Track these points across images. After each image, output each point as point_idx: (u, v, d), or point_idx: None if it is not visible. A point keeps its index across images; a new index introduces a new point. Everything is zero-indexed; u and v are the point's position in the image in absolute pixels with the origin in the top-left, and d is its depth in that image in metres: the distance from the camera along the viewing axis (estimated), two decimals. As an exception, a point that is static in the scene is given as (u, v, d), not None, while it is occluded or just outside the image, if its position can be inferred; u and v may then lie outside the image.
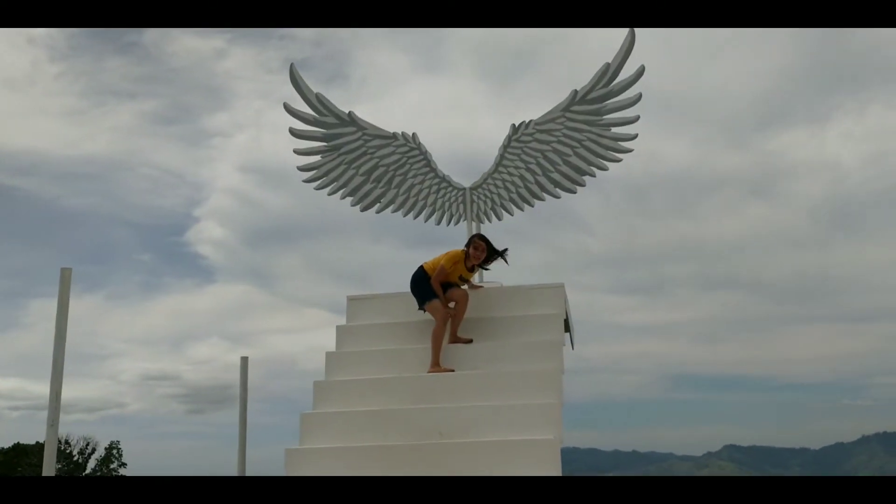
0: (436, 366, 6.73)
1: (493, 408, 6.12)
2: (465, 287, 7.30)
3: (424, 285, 7.06)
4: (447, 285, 7.10)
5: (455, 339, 7.02)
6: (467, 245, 7.23)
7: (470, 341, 6.99)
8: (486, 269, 7.47)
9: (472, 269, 7.29)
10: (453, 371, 6.69)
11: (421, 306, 7.09)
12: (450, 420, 6.13)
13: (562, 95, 7.93)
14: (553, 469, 5.62)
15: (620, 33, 7.49)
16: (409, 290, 7.29)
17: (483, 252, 7.15)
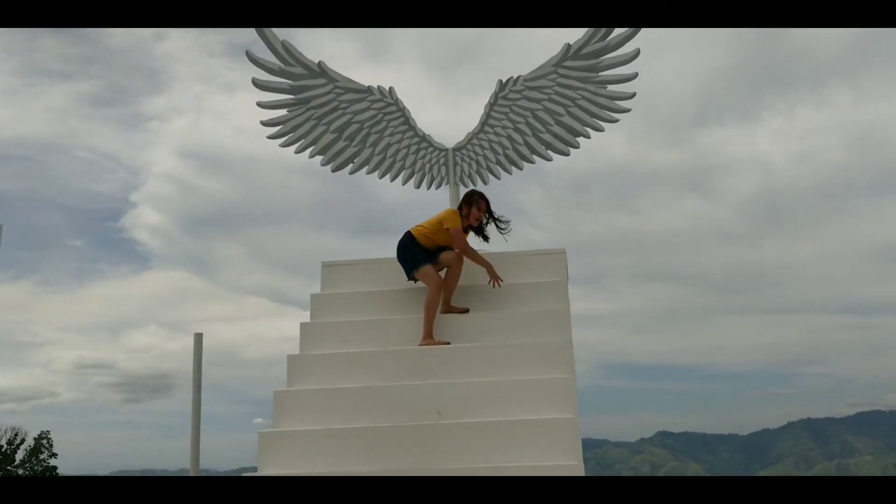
0: (429, 338, 5.99)
1: (498, 384, 5.43)
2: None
3: (414, 251, 6.32)
4: (437, 249, 6.36)
5: (449, 309, 6.29)
6: (464, 203, 6.51)
7: (466, 311, 6.29)
8: (486, 240, 6.72)
9: (466, 231, 6.56)
10: (449, 343, 5.98)
11: (410, 275, 6.35)
12: (449, 398, 5.40)
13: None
14: (573, 453, 4.95)
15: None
16: (388, 256, 6.55)
17: (483, 213, 6.45)
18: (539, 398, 5.31)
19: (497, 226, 6.61)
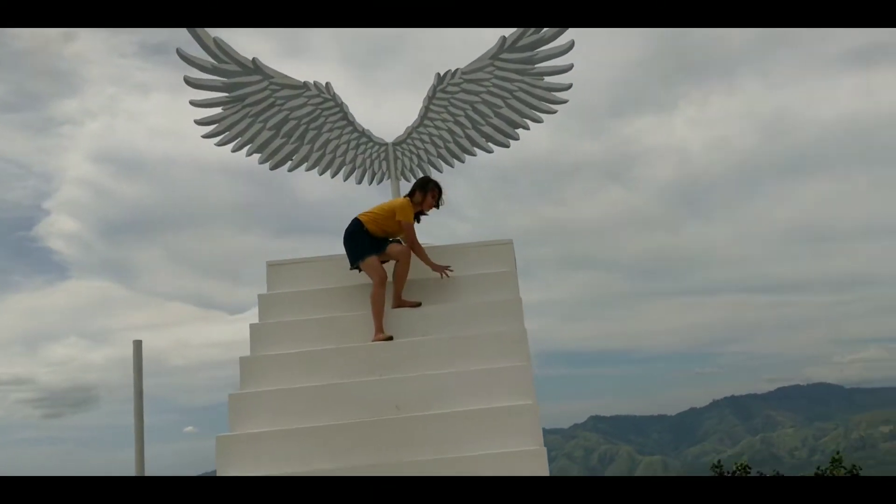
0: (379, 333, 5.95)
1: (456, 375, 5.44)
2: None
3: (361, 240, 6.22)
4: (384, 241, 6.32)
5: (400, 303, 6.25)
6: (418, 190, 6.48)
7: (418, 304, 6.26)
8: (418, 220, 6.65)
9: (417, 218, 6.52)
10: (391, 339, 5.96)
11: (354, 264, 6.26)
12: (407, 392, 5.40)
13: (428, 82, 7.45)
14: (534, 440, 5.02)
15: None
16: (335, 253, 6.48)
17: (437, 200, 6.46)
18: (498, 387, 5.35)
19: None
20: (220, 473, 5.24)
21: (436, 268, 6.29)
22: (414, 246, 6.30)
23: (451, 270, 6.34)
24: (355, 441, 5.13)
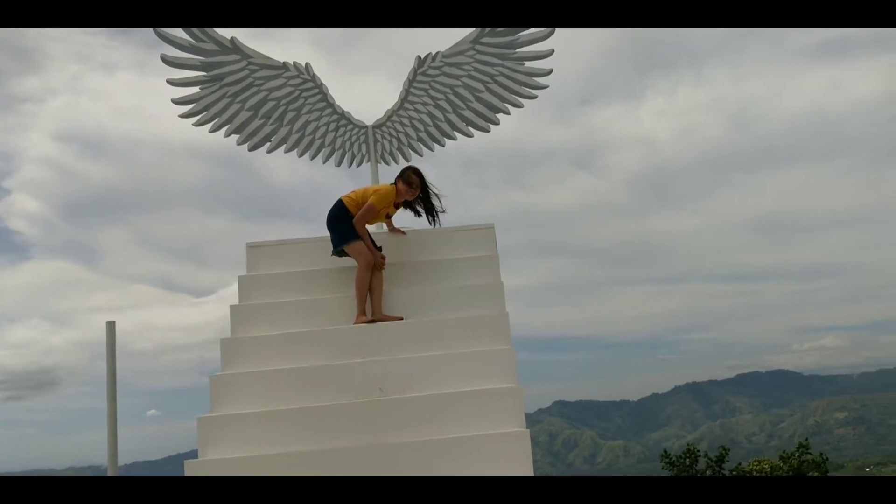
0: (362, 316, 5.92)
1: (439, 358, 5.46)
2: (385, 232, 6.52)
3: (345, 223, 6.13)
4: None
5: (382, 317, 6.02)
6: (398, 178, 6.38)
7: (400, 319, 6.05)
8: (417, 213, 6.56)
9: (398, 206, 6.46)
10: (374, 322, 5.91)
11: (337, 248, 6.18)
12: (391, 374, 5.40)
13: (398, 66, 7.45)
14: (517, 422, 5.06)
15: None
16: (317, 236, 6.45)
17: (417, 189, 6.30)
18: (481, 370, 5.38)
19: (434, 203, 6.49)
20: (200, 455, 5.21)
21: (373, 252, 6.12)
22: (359, 222, 6.10)
23: (384, 258, 6.20)
24: (338, 423, 5.13)
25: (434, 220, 6.52)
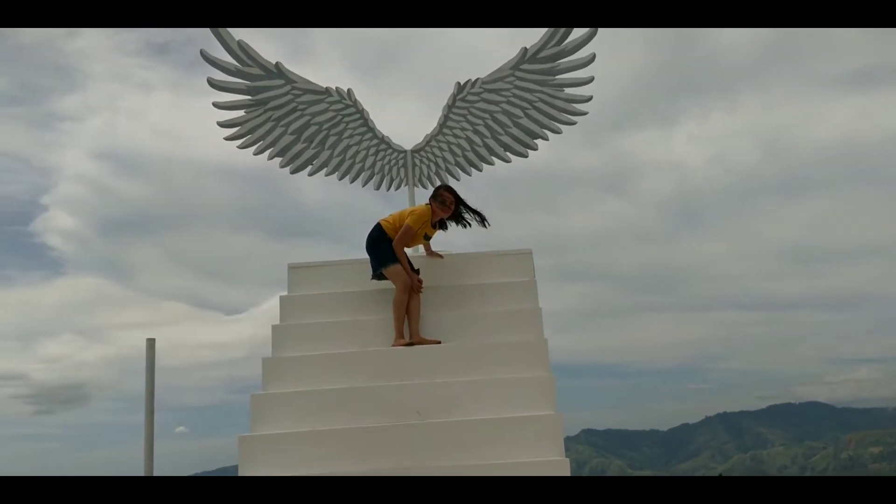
0: (400, 338, 5.97)
1: (478, 383, 5.48)
2: (422, 256, 6.55)
3: (383, 246, 6.20)
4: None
5: (419, 340, 6.05)
6: (432, 198, 6.41)
7: (438, 343, 6.07)
8: (465, 225, 6.54)
9: (435, 226, 6.49)
10: (413, 344, 5.96)
11: (376, 272, 6.24)
12: (429, 398, 5.43)
13: (430, 88, 7.55)
14: (555, 450, 5.06)
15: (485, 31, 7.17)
16: (357, 257, 6.52)
17: (451, 206, 6.33)
18: (520, 396, 5.39)
19: (476, 220, 6.48)
20: (241, 473, 5.27)
21: (410, 275, 6.16)
22: (398, 245, 6.17)
23: (420, 281, 6.24)
24: (376, 445, 5.17)
25: (483, 222, 6.48)
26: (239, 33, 7.06)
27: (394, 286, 6.14)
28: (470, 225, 6.50)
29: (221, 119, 7.51)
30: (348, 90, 7.56)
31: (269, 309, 6.59)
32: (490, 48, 7.42)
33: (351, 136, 7.75)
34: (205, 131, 7.63)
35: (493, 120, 7.70)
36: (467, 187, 7.41)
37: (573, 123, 7.68)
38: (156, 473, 5.79)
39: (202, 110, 7.49)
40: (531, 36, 7.31)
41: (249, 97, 7.38)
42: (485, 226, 6.49)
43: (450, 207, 6.35)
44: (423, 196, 7.69)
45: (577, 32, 7.25)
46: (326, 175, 7.86)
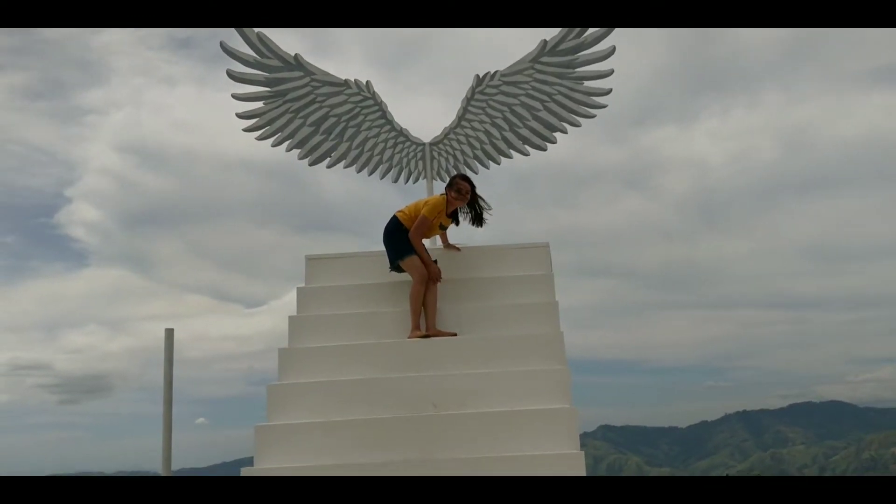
0: (416, 330, 5.98)
1: (494, 375, 5.47)
2: (439, 247, 6.55)
3: (400, 238, 6.20)
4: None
5: (435, 332, 6.04)
6: (448, 187, 6.41)
7: (454, 335, 6.06)
8: (457, 223, 6.59)
9: (451, 216, 6.48)
10: (429, 336, 5.97)
11: (394, 264, 6.25)
12: (445, 390, 5.43)
13: (452, 84, 7.52)
14: (570, 443, 5.05)
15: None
16: (374, 250, 6.52)
17: (467, 195, 6.33)
18: (535, 389, 5.38)
19: (480, 214, 6.51)
20: (257, 463, 5.31)
21: (429, 265, 6.16)
22: (414, 236, 6.17)
23: (439, 271, 6.23)
24: (391, 436, 5.18)
25: (480, 221, 6.52)
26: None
27: (410, 279, 6.16)
28: (481, 220, 6.51)
29: (242, 111, 7.55)
30: (367, 82, 7.57)
31: (290, 301, 6.61)
32: (511, 45, 7.37)
33: (369, 129, 7.75)
34: (227, 125, 7.70)
35: (512, 113, 7.66)
36: (486, 181, 7.38)
37: (592, 116, 7.62)
38: (176, 464, 5.85)
39: (224, 104, 7.52)
40: (553, 33, 7.29)
41: (268, 89, 7.41)
42: (480, 224, 6.51)
43: (465, 196, 6.34)
44: (441, 189, 7.70)
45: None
46: (345, 167, 7.86)
